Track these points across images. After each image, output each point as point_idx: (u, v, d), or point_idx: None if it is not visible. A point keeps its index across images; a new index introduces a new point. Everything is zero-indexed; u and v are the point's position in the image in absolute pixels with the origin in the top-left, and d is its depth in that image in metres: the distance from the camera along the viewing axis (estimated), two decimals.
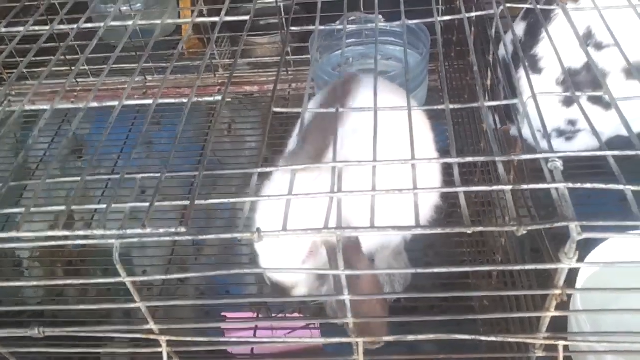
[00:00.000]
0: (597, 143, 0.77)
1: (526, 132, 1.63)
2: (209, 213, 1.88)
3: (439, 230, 0.68)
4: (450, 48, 1.82)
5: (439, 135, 1.47)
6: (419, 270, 0.69)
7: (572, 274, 1.21)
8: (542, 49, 1.53)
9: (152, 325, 0.82)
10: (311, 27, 1.14)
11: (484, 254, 1.48)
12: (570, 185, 0.70)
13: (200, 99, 0.96)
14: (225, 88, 0.95)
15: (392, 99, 1.22)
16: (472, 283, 1.40)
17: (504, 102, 0.88)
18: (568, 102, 1.55)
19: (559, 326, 0.89)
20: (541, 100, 0.86)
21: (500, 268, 0.70)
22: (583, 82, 1.48)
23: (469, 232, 0.68)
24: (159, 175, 0.79)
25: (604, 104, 1.50)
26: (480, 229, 0.68)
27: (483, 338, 0.79)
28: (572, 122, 1.58)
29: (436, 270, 0.68)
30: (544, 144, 1.13)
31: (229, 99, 2.12)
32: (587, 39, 1.45)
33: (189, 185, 1.90)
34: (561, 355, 0.77)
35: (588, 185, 0.70)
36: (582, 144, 1.63)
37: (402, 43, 1.87)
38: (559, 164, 0.73)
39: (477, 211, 1.52)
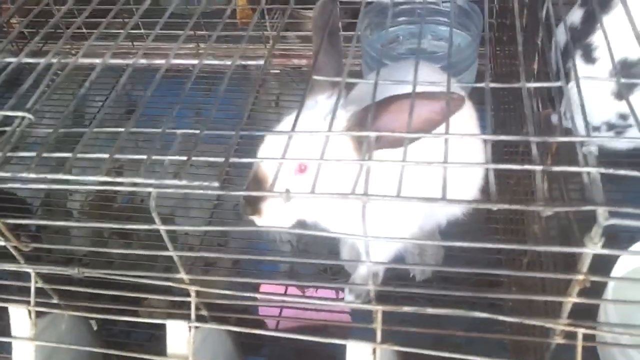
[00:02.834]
0: None
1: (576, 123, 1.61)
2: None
3: (463, 203, 0.68)
4: (502, 32, 1.78)
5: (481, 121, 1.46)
6: (442, 243, 0.70)
7: (607, 265, 1.19)
8: (598, 38, 1.48)
9: (183, 275, 0.86)
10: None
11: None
12: (602, 170, 0.69)
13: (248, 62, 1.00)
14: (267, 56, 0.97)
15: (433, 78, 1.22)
16: (504, 280, 1.37)
17: (545, 85, 0.87)
18: (621, 95, 1.50)
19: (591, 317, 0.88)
20: (592, 91, 0.84)
21: (516, 246, 0.70)
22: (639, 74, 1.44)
23: (494, 208, 0.69)
24: (197, 132, 0.83)
25: None
26: (505, 206, 0.68)
27: (501, 317, 0.79)
28: (623, 116, 1.53)
29: (458, 244, 0.68)
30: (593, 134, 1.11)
31: (277, 71, 2.15)
32: None
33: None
34: (580, 343, 0.76)
35: (622, 172, 0.69)
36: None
37: (453, 23, 1.84)
38: (594, 148, 0.72)
39: (518, 199, 1.50)
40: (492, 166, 0.72)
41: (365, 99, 1.01)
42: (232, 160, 0.78)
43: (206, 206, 1.86)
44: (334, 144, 0.98)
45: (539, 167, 0.71)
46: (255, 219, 1.02)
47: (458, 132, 0.77)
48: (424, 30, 1.87)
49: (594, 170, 0.69)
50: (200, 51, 2.16)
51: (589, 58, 1.50)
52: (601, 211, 0.65)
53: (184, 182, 0.75)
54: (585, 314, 0.80)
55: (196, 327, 0.89)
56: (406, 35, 1.87)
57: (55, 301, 0.98)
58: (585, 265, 0.71)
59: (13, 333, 0.94)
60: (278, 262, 1.65)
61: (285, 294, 1.23)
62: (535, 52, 1.18)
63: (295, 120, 0.84)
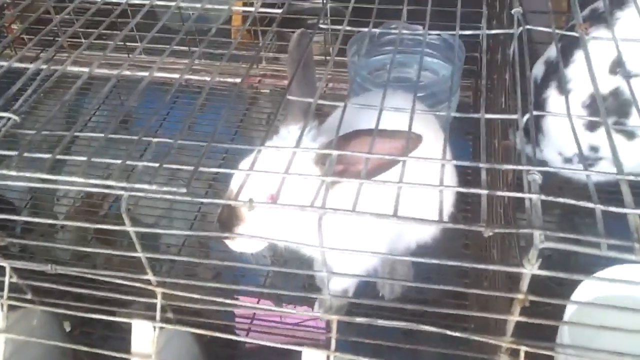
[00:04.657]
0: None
1: (547, 155, 1.66)
2: None
3: (411, 221, 0.73)
4: (491, 68, 1.85)
5: (459, 150, 1.52)
6: (381, 255, 0.74)
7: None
8: (572, 71, 1.55)
9: (150, 277, 0.91)
10: (362, 29, 1.20)
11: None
12: (543, 197, 0.74)
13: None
14: None
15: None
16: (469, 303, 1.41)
17: (503, 116, 0.93)
18: (591, 126, 1.56)
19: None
20: (564, 123, 0.91)
21: (454, 263, 0.74)
22: (608, 108, 1.50)
23: (441, 226, 0.73)
24: (171, 141, 0.88)
25: (627, 133, 1.51)
26: (450, 225, 0.73)
27: (448, 332, 0.83)
28: (594, 148, 1.59)
29: (399, 257, 0.73)
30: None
31: (268, 90, 2.22)
32: (616, 67, 1.46)
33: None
34: None
35: (560, 200, 0.74)
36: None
37: (438, 55, 1.91)
38: (537, 177, 0.77)
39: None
40: (442, 187, 0.77)
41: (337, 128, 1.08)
42: (201, 169, 0.82)
43: (189, 218, 1.90)
44: (303, 172, 1.03)
45: (484, 192, 0.76)
46: (228, 242, 1.08)
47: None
48: (410, 60, 1.93)
49: (534, 197, 0.74)
50: (194, 67, 2.22)
51: (563, 90, 1.57)
52: (537, 234, 0.70)
53: (154, 187, 0.79)
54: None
55: (161, 328, 0.93)
56: (393, 63, 1.94)
57: (28, 297, 1.01)
58: (524, 285, 0.76)
59: None
60: (256, 276, 1.70)
61: (257, 305, 1.26)
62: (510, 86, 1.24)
63: (264, 141, 0.90)
